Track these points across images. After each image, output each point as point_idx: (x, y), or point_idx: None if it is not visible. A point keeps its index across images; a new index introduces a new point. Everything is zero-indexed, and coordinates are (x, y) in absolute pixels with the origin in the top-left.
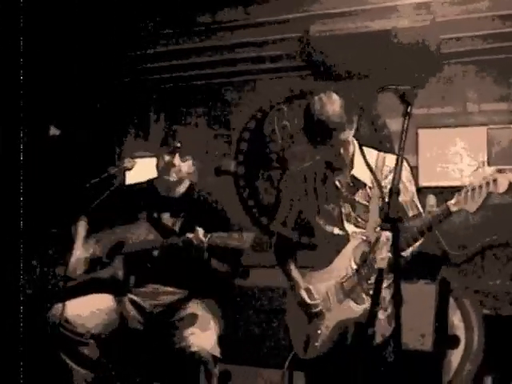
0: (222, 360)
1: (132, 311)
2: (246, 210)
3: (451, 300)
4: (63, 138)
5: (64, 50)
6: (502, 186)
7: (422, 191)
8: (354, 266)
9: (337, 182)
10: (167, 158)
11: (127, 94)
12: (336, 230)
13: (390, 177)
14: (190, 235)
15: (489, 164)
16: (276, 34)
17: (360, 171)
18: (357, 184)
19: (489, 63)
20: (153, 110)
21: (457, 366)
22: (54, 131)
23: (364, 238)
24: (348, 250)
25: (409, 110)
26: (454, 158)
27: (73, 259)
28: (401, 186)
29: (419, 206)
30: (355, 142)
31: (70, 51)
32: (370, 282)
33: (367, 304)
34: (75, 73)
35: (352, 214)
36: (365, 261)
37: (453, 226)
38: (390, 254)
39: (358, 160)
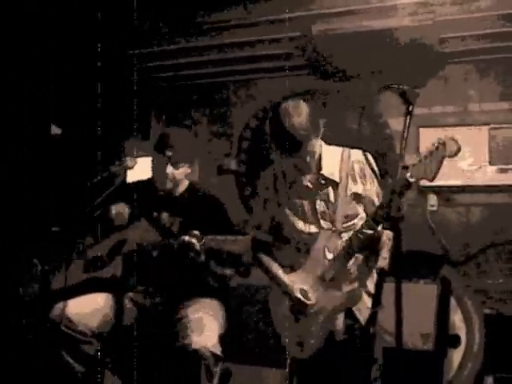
0: (224, 358)
1: (132, 309)
2: (247, 208)
3: (452, 299)
4: (64, 136)
5: (65, 49)
6: (451, 149)
7: (422, 190)
8: (330, 257)
9: (308, 183)
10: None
11: (128, 93)
12: (312, 228)
13: (356, 169)
14: (185, 238)
15: (490, 163)
16: (277, 33)
17: (328, 170)
18: (327, 182)
19: (490, 62)
20: (154, 109)
21: (458, 366)
22: (55, 130)
23: (333, 229)
24: (320, 244)
25: (410, 109)
26: (455, 157)
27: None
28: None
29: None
30: (321, 143)
31: (72, 50)
32: (348, 268)
33: (349, 288)
34: (76, 72)
35: (326, 211)
36: (339, 250)
37: (454, 226)
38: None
39: (325, 159)
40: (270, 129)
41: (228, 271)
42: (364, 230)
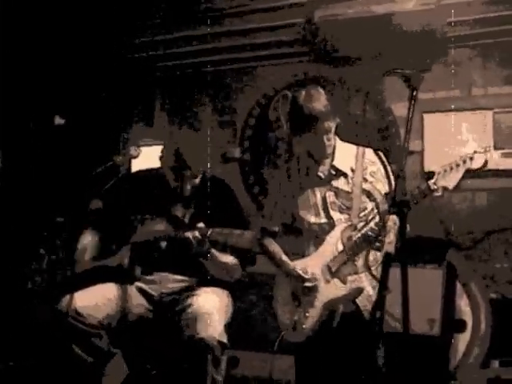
0: (230, 346)
1: (140, 299)
2: (252, 196)
3: (458, 284)
4: (68, 127)
5: (69, 39)
6: (477, 163)
7: (427, 175)
8: (340, 248)
9: (320, 173)
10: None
11: (131, 82)
12: (323, 219)
13: (370, 168)
14: (188, 233)
15: (495, 148)
16: (280, 20)
17: (340, 162)
18: (338, 173)
19: (494, 46)
20: (157, 98)
21: (464, 350)
22: (59, 121)
23: (350, 223)
24: (334, 235)
25: (414, 94)
26: (459, 142)
27: (80, 245)
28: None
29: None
30: (336, 137)
31: (75, 40)
32: (356, 263)
33: (354, 284)
34: (80, 62)
35: (336, 201)
36: (351, 243)
37: (459, 211)
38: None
39: (338, 153)
40: (287, 112)
41: (232, 261)
42: (373, 233)
